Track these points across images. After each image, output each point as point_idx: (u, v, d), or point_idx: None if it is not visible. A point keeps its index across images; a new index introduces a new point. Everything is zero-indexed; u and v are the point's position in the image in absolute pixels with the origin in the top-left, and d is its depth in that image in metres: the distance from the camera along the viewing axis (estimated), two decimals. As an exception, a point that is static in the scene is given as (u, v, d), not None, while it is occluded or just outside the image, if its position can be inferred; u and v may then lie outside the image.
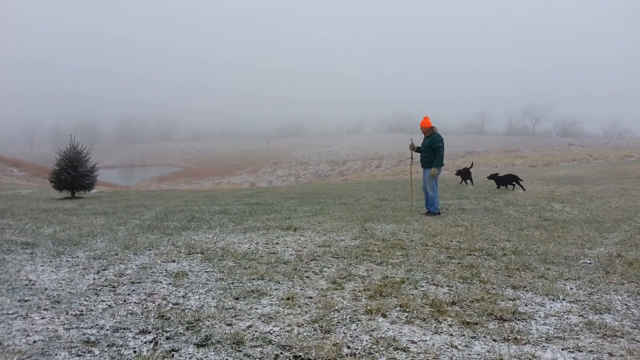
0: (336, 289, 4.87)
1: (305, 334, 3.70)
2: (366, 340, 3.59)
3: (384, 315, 4.14)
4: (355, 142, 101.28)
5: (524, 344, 3.57)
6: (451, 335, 3.74)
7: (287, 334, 3.69)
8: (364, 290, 4.85)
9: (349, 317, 4.07)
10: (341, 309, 4.27)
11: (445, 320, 4.05)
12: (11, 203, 15.88)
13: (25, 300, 4.44)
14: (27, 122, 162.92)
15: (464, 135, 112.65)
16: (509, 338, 3.68)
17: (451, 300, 4.56)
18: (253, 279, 5.21)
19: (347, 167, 56.87)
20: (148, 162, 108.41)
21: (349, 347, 3.46)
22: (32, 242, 7.35)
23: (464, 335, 3.72)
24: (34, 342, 3.46)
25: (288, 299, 4.53)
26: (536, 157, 43.44)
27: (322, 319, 4.00)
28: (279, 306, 4.34)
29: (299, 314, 4.15)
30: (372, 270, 5.65)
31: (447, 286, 5.04)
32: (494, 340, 3.63)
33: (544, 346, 3.55)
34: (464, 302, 4.50)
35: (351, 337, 3.66)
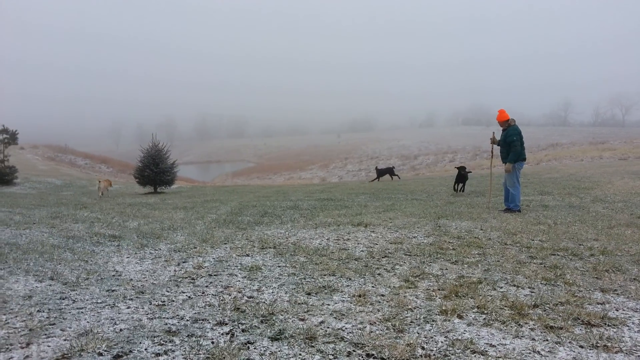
0: (409, 288, 4.77)
1: (377, 332, 3.65)
2: (441, 342, 3.48)
3: (460, 317, 3.99)
4: (427, 135, 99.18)
5: (615, 352, 3.29)
6: (533, 339, 3.53)
7: (360, 331, 3.66)
8: (439, 289, 4.71)
9: (423, 317, 3.97)
10: (414, 308, 4.17)
11: (526, 323, 3.83)
12: (99, 198, 17.12)
13: (113, 290, 4.75)
14: (113, 122, 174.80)
15: (546, 127, 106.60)
16: (598, 345, 3.41)
17: (533, 302, 4.30)
18: (324, 275, 5.23)
19: (419, 161, 55.73)
20: (223, 158, 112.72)
21: (423, 348, 3.36)
22: (119, 235, 7.86)
23: (547, 340, 3.50)
24: (120, 330, 3.68)
25: (360, 296, 4.50)
26: (627, 149, 40.10)
27: (394, 318, 3.93)
28: (351, 303, 4.32)
29: (371, 311, 4.10)
30: (446, 269, 5.48)
31: (529, 288, 4.77)
32: (581, 347, 3.38)
33: (639, 356, 3.25)
34: (547, 305, 4.23)
35: (425, 337, 3.56)
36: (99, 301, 4.39)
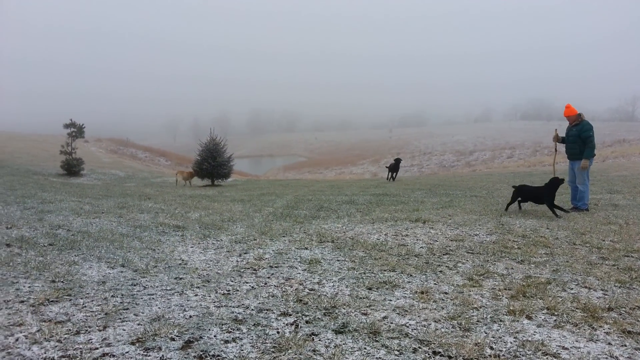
0: (473, 286, 4.66)
1: (443, 330, 3.59)
2: (510, 343, 3.37)
3: (529, 317, 3.85)
4: (483, 130, 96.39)
5: None
6: (609, 344, 3.35)
7: (424, 328, 3.61)
8: (505, 289, 4.57)
9: (490, 317, 3.86)
10: (480, 308, 4.06)
11: (601, 327, 3.65)
12: (161, 189, 17.80)
13: (180, 278, 4.92)
14: (170, 117, 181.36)
15: (612, 122, 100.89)
16: (684, 354, 3.20)
17: (607, 305, 4.09)
18: (384, 270, 5.20)
19: (475, 157, 54.22)
20: (275, 152, 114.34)
21: (491, 348, 3.27)
22: (182, 225, 8.14)
23: (625, 346, 3.32)
24: (190, 317, 3.81)
25: (422, 292, 4.44)
26: (703, 146, 37.32)
27: (460, 316, 3.85)
28: (413, 299, 4.26)
29: (435, 309, 4.04)
30: (512, 268, 5.30)
31: (602, 290, 4.54)
32: (665, 355, 3.18)
33: None
34: (623, 309, 4.01)
35: (494, 337, 3.46)
36: (168, 288, 4.56)
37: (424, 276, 4.99)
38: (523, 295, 4.35)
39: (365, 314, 3.89)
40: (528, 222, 8.13)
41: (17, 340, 3.23)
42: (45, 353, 3.05)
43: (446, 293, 4.45)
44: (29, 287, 4.42)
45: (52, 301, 4.05)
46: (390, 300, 4.25)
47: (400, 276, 4.98)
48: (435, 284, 4.74)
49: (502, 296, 4.37)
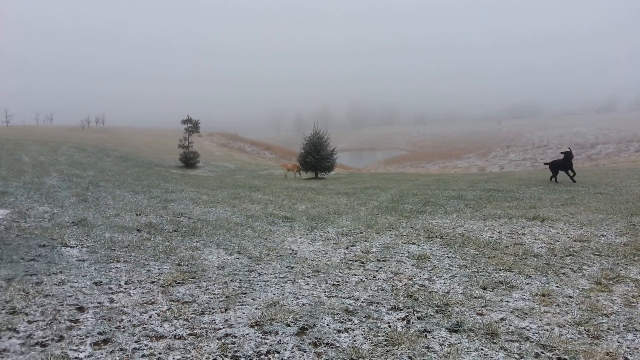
0: (602, 291, 4.25)
1: (568, 336, 3.32)
2: (651, 356, 3.03)
3: (673, 330, 3.43)
4: (606, 122, 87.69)
5: None
6: None
7: (547, 333, 3.37)
8: (640, 296, 4.11)
9: (623, 325, 3.50)
10: (611, 314, 3.70)
11: None
12: (268, 181, 18.58)
13: (292, 267, 5.09)
14: (273, 111, 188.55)
15: None
16: None
17: None
18: (500, 270, 4.94)
19: (597, 150, 49.49)
20: (375, 146, 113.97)
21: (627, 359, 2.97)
22: (290, 216, 8.42)
23: None
24: (303, 304, 3.92)
25: (543, 295, 4.14)
26: None
27: (587, 323, 3.54)
28: (533, 302, 4.00)
29: (559, 313, 3.75)
30: (648, 273, 4.76)
31: None
32: None
33: None
34: None
35: (629, 348, 3.14)
36: (281, 276, 4.74)
37: (544, 278, 4.66)
38: (664, 305, 3.89)
39: (480, 314, 3.72)
40: (666, 224, 7.24)
41: (150, 317, 3.55)
42: (175, 330, 3.32)
43: (570, 297, 4.12)
44: (158, 269, 4.86)
45: (178, 283, 4.41)
46: (508, 301, 4.03)
47: (517, 277, 4.70)
48: (557, 286, 4.41)
49: (637, 303, 3.94)
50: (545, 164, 16.20)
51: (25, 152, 22.77)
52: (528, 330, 3.42)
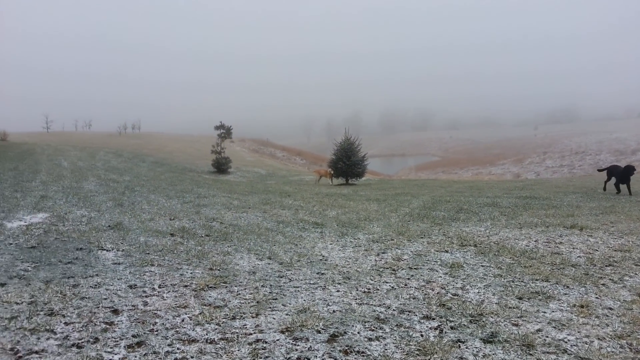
0: (645, 303, 4.08)
1: (609, 349, 3.19)
2: (700, 374, 2.88)
3: None
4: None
5: None
6: None
7: (586, 345, 3.25)
8: (687, 310, 3.92)
9: (668, 340, 3.34)
10: (655, 328, 3.54)
11: None
12: (299, 187, 18.65)
13: (322, 274, 5.08)
14: (304, 118, 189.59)
15: None
16: None
17: None
18: (536, 280, 4.80)
19: (638, 157, 47.73)
20: (407, 152, 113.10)
21: (674, 378, 2.83)
22: (321, 222, 8.42)
23: None
24: (334, 311, 3.90)
25: (582, 306, 4.00)
26: None
27: (629, 336, 3.40)
28: (571, 313, 3.87)
29: (598, 325, 3.61)
30: (695, 286, 4.53)
31: None
32: None
33: None
34: None
35: (674, 364, 2.99)
36: (312, 282, 4.74)
37: (583, 289, 4.50)
38: None
39: (516, 325, 3.62)
40: None
41: (182, 320, 3.61)
42: (207, 334, 3.35)
43: (611, 309, 3.96)
44: (191, 273, 4.93)
45: (210, 287, 4.46)
46: (545, 312, 3.91)
47: (555, 287, 4.56)
48: (597, 297, 4.25)
49: (683, 317, 3.76)
50: (599, 170, 15.14)
51: (64, 157, 23.59)
52: (566, 342, 3.31)
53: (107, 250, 5.68)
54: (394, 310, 3.96)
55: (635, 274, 4.96)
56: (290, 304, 4.07)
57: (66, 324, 3.43)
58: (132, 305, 3.88)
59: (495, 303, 4.13)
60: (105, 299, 4.01)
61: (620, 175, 12.76)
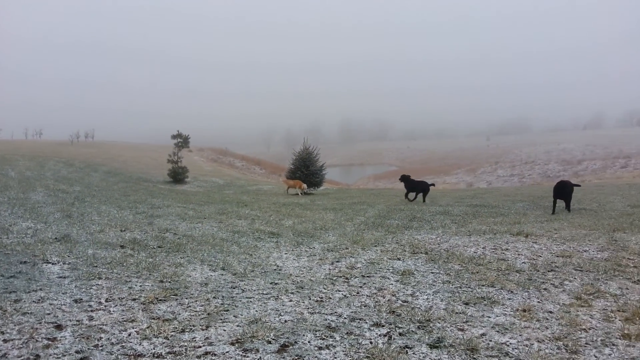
0: (581, 306, 4.30)
1: (547, 351, 3.35)
2: (627, 371, 3.06)
3: (649, 344, 3.47)
4: (593, 138, 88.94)
5: None
6: None
7: (526, 348, 3.40)
8: (618, 310, 4.17)
9: (601, 340, 3.54)
10: (589, 329, 3.75)
11: None
12: (257, 197, 18.54)
13: (276, 284, 5.08)
14: (265, 127, 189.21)
15: None
16: None
17: None
18: (482, 285, 4.97)
19: (583, 167, 50.12)
20: (365, 161, 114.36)
21: (604, 376, 3.00)
22: (277, 232, 8.41)
23: None
24: (285, 321, 3.91)
25: (524, 310, 4.18)
26: None
27: (566, 337, 3.57)
28: (514, 317, 4.03)
29: (538, 328, 3.78)
30: (627, 288, 4.82)
31: None
32: None
33: None
34: None
35: (606, 363, 3.17)
36: (265, 292, 4.73)
37: (526, 293, 4.70)
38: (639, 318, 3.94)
39: (462, 330, 3.74)
40: (647, 239, 7.34)
41: (129, 335, 3.52)
42: (154, 348, 3.29)
43: (551, 312, 4.16)
44: (140, 286, 4.82)
45: (160, 300, 4.38)
46: (489, 317, 4.05)
47: (499, 292, 4.74)
48: (538, 302, 4.45)
49: (615, 318, 3.99)
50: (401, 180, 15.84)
51: (12, 167, 22.54)
52: (508, 346, 3.44)
53: (52, 264, 5.47)
54: (345, 318, 4.01)
55: (575, 278, 5.21)
56: (241, 315, 4.05)
57: (5, 341, 3.29)
58: (77, 320, 3.75)
59: (443, 309, 4.25)
60: (49, 314, 3.86)
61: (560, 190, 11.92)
